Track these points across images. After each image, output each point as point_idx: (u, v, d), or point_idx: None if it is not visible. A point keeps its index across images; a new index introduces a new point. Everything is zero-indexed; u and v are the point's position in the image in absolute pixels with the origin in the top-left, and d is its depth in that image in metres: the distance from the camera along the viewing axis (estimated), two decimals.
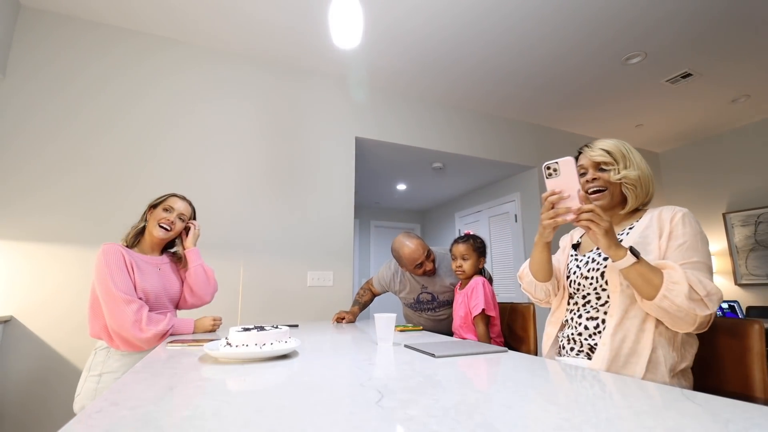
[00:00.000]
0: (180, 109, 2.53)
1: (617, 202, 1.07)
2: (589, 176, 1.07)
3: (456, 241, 1.68)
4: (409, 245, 1.77)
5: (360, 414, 0.51)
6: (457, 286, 1.72)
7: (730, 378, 0.89)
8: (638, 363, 0.89)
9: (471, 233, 1.69)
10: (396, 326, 1.65)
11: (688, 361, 0.91)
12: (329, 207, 2.85)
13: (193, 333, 1.44)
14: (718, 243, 3.85)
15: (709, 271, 0.89)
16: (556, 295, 1.14)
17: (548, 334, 1.11)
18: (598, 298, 1.00)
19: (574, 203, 0.88)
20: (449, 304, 1.89)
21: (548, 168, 0.92)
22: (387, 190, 4.74)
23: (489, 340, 1.47)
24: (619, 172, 1.03)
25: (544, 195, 0.94)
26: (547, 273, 1.11)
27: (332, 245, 2.82)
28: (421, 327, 1.65)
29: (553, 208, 0.92)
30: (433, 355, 0.95)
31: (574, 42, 2.57)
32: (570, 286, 1.09)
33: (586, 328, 1.01)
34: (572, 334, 1.04)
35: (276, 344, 0.93)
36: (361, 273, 5.43)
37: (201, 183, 2.49)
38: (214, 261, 2.22)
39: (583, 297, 1.04)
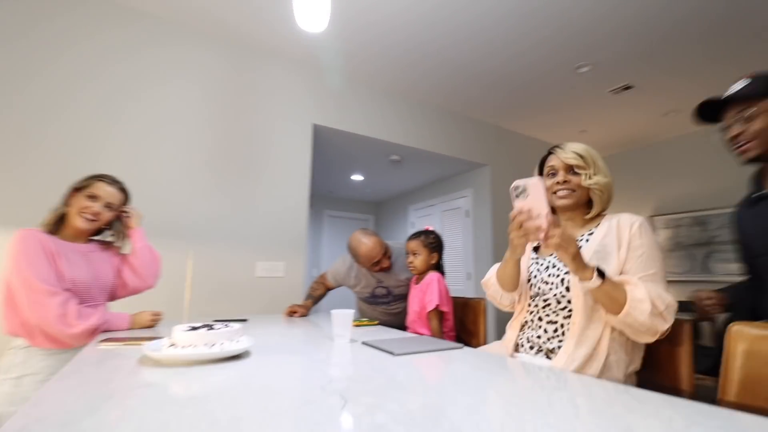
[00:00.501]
0: (126, 90, 2.29)
1: (581, 204, 1.10)
2: (560, 178, 1.09)
3: (409, 237, 1.69)
4: (367, 243, 1.76)
5: (326, 424, 0.49)
6: (413, 280, 1.74)
7: (664, 373, 0.97)
8: (594, 366, 0.93)
9: (429, 229, 1.70)
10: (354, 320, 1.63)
11: (636, 364, 0.97)
12: (283, 195, 2.75)
13: (129, 329, 1.32)
14: None
15: (664, 281, 0.96)
16: (519, 302, 1.16)
17: (509, 339, 1.13)
18: (558, 303, 1.03)
19: (543, 222, 0.88)
20: (404, 297, 1.91)
21: (516, 188, 0.91)
22: (342, 179, 4.67)
23: (442, 334, 1.50)
24: (590, 177, 1.06)
25: (512, 214, 0.93)
26: (515, 284, 1.14)
27: (284, 234, 2.73)
28: (377, 321, 1.64)
29: (521, 227, 0.92)
30: (392, 353, 0.94)
31: (531, 43, 2.65)
32: (531, 288, 1.12)
33: (545, 331, 1.04)
34: (531, 336, 1.07)
35: (227, 343, 0.88)
36: (313, 264, 5.34)
37: (146, 167, 2.29)
38: (158, 250, 2.06)
39: (544, 300, 1.07)
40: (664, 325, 0.88)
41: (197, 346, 0.84)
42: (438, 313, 1.50)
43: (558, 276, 1.04)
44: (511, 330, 1.14)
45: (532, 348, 1.06)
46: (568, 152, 1.09)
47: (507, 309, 1.22)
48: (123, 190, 1.41)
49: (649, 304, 0.86)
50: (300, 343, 1.13)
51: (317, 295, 2.05)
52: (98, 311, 1.24)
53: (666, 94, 3.28)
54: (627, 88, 3.19)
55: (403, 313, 1.90)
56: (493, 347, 1.21)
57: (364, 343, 1.10)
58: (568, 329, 0.99)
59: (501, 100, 3.45)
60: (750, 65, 2.80)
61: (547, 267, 1.09)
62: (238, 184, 2.59)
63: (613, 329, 0.95)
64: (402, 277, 1.89)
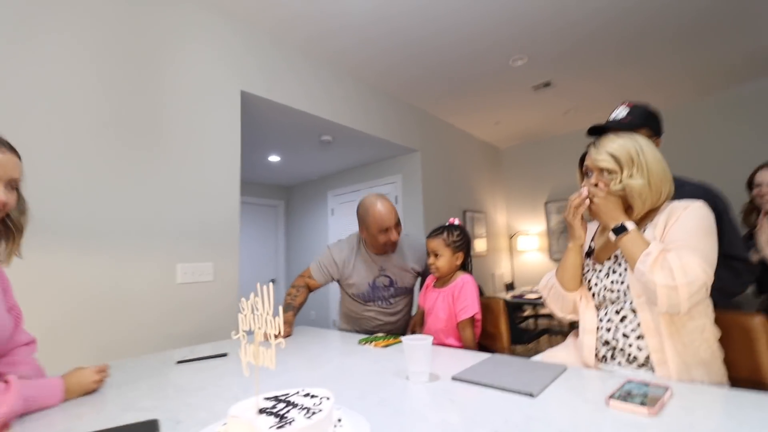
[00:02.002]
0: None
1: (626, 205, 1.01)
2: (593, 180, 1.02)
3: (429, 235, 1.47)
4: (383, 204, 1.60)
5: None
6: (430, 281, 1.53)
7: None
8: (701, 371, 0.88)
9: (454, 222, 1.49)
10: (360, 340, 1.35)
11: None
12: (208, 178, 2.18)
13: (64, 401, 0.80)
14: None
15: (706, 259, 0.83)
16: (581, 304, 1.07)
17: (588, 346, 1.03)
18: (633, 311, 0.96)
19: (584, 191, 1.04)
20: (407, 292, 1.70)
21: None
22: (258, 160, 4.06)
23: (476, 344, 1.34)
24: (621, 182, 0.97)
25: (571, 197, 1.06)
26: (577, 281, 1.05)
27: (212, 228, 2.18)
28: (398, 338, 1.35)
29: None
30: (531, 395, 0.74)
31: (471, 32, 2.60)
32: (593, 297, 1.04)
33: (624, 336, 0.96)
34: (610, 339, 0.99)
35: None
36: None
37: (18, 144, 1.50)
38: (34, 254, 1.39)
39: (617, 311, 0.99)
40: (676, 298, 0.80)
41: None
42: (471, 321, 1.33)
43: (622, 282, 0.97)
44: (587, 338, 1.04)
45: (614, 357, 0.98)
46: (602, 153, 1.00)
47: (570, 317, 1.11)
48: (18, 155, 0.84)
49: (655, 255, 0.83)
50: (386, 397, 0.83)
51: (299, 303, 1.65)
52: (9, 388, 0.70)
53: (572, 94, 3.66)
54: (547, 85, 3.45)
55: (404, 316, 1.68)
56: (559, 355, 1.10)
57: (455, 378, 0.87)
58: (648, 333, 0.93)
59: (436, 85, 3.39)
60: (649, 74, 3.30)
61: (608, 273, 1.02)
62: (147, 166, 1.94)
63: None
64: (409, 265, 1.69)
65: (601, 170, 1.00)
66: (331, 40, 2.65)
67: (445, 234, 1.42)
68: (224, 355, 1.22)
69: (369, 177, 4.29)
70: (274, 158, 4.02)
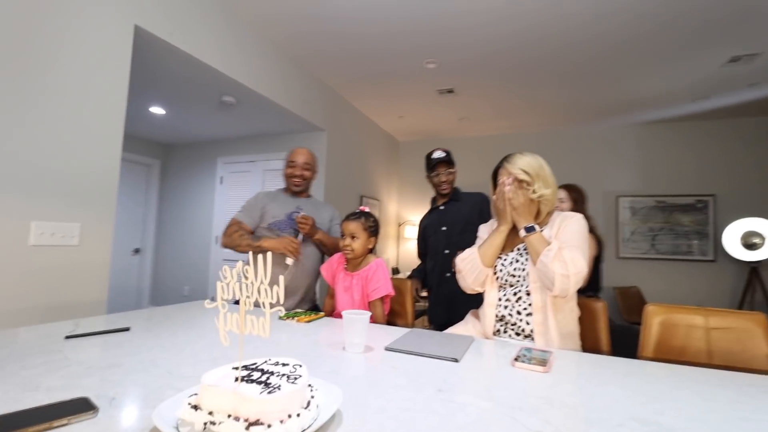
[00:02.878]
0: None
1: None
2: (511, 187, 1.24)
3: (347, 218, 1.51)
4: (303, 148, 1.99)
5: None
6: (339, 262, 1.57)
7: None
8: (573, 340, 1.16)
9: (365, 210, 1.56)
10: (281, 316, 1.33)
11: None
12: (84, 122, 1.82)
13: None
14: None
15: (585, 256, 1.12)
16: (488, 283, 1.28)
17: (488, 321, 1.24)
18: (527, 293, 1.19)
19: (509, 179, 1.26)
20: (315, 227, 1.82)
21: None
22: (133, 110, 3.46)
23: (385, 321, 1.45)
24: (535, 192, 1.21)
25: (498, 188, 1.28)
26: (495, 259, 1.24)
27: (82, 183, 1.83)
28: (319, 314, 1.41)
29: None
30: (456, 360, 0.88)
31: (394, 27, 2.70)
32: (497, 280, 1.26)
33: (518, 313, 1.20)
34: (506, 316, 1.22)
35: (317, 395, 0.58)
36: None
37: None
38: None
39: (514, 293, 1.22)
40: (567, 283, 1.06)
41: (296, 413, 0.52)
42: (381, 300, 1.43)
43: (524, 269, 1.21)
44: (489, 310, 1.24)
45: (506, 331, 1.21)
46: (516, 167, 1.24)
47: (476, 289, 1.29)
48: None
49: (555, 251, 1.09)
50: (336, 368, 0.86)
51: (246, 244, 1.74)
52: None
53: (468, 105, 4.11)
54: (450, 91, 3.79)
55: (314, 257, 1.83)
56: (459, 329, 1.30)
57: (388, 348, 0.96)
58: (536, 311, 1.18)
59: (351, 68, 3.40)
60: (531, 100, 3.89)
61: (512, 262, 1.24)
62: (7, 98, 1.52)
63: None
64: (320, 213, 1.92)
65: (520, 181, 1.22)
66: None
67: (363, 219, 1.50)
68: (127, 329, 1.07)
69: (268, 149, 4.07)
70: (157, 110, 3.48)
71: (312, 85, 3.53)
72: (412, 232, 5.24)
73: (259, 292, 0.55)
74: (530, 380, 0.80)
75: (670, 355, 1.17)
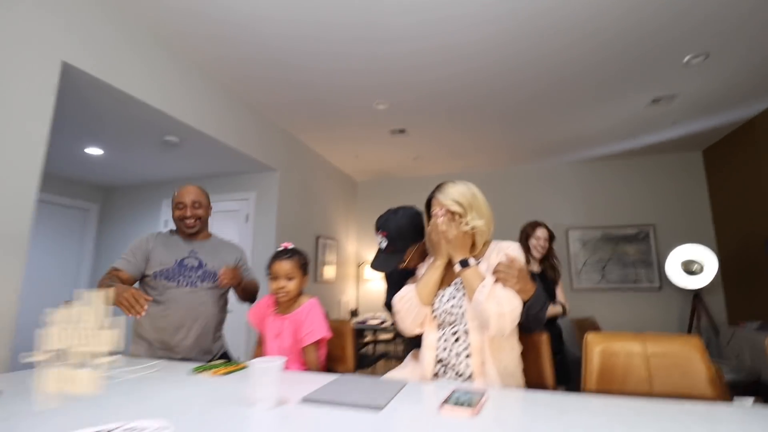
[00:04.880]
0: None
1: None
2: (444, 219, 1.19)
3: (278, 257, 1.39)
4: (190, 184, 1.80)
5: None
6: (270, 308, 1.44)
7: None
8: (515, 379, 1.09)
9: (291, 246, 1.46)
10: (195, 368, 1.18)
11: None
12: None
13: None
14: None
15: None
16: (426, 324, 1.19)
17: (428, 364, 1.13)
18: (466, 332, 1.12)
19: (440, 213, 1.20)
20: (214, 283, 1.67)
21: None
22: (71, 150, 3.25)
23: (321, 367, 1.31)
24: (468, 224, 1.17)
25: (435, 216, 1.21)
26: (433, 296, 1.17)
27: None
28: (242, 364, 1.25)
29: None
30: (378, 408, 0.77)
31: (344, 67, 2.75)
32: (434, 319, 1.18)
33: (457, 355, 1.11)
34: (445, 359, 1.12)
35: None
36: None
37: None
38: None
39: (453, 333, 1.14)
40: (503, 322, 1.00)
41: None
42: (315, 344, 1.30)
43: (461, 307, 1.14)
44: (428, 353, 1.15)
45: (446, 373, 1.12)
46: (448, 199, 1.20)
47: (415, 330, 1.19)
48: None
49: (488, 290, 1.02)
50: (231, 428, 0.72)
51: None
52: None
53: (420, 145, 4.21)
54: (402, 131, 3.88)
55: (210, 304, 1.65)
56: (397, 373, 1.19)
57: (306, 400, 0.84)
58: (475, 353, 1.10)
59: (302, 109, 3.41)
60: (477, 141, 4.05)
61: (449, 299, 1.17)
62: None
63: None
64: (228, 258, 1.79)
65: (452, 213, 1.18)
66: (192, 36, 2.41)
67: (296, 257, 1.40)
68: None
69: (218, 190, 3.91)
70: (94, 150, 3.29)
71: (262, 125, 3.50)
72: (371, 272, 5.12)
73: (90, 338, 0.45)
74: (454, 428, 0.71)
75: (613, 384, 1.12)
